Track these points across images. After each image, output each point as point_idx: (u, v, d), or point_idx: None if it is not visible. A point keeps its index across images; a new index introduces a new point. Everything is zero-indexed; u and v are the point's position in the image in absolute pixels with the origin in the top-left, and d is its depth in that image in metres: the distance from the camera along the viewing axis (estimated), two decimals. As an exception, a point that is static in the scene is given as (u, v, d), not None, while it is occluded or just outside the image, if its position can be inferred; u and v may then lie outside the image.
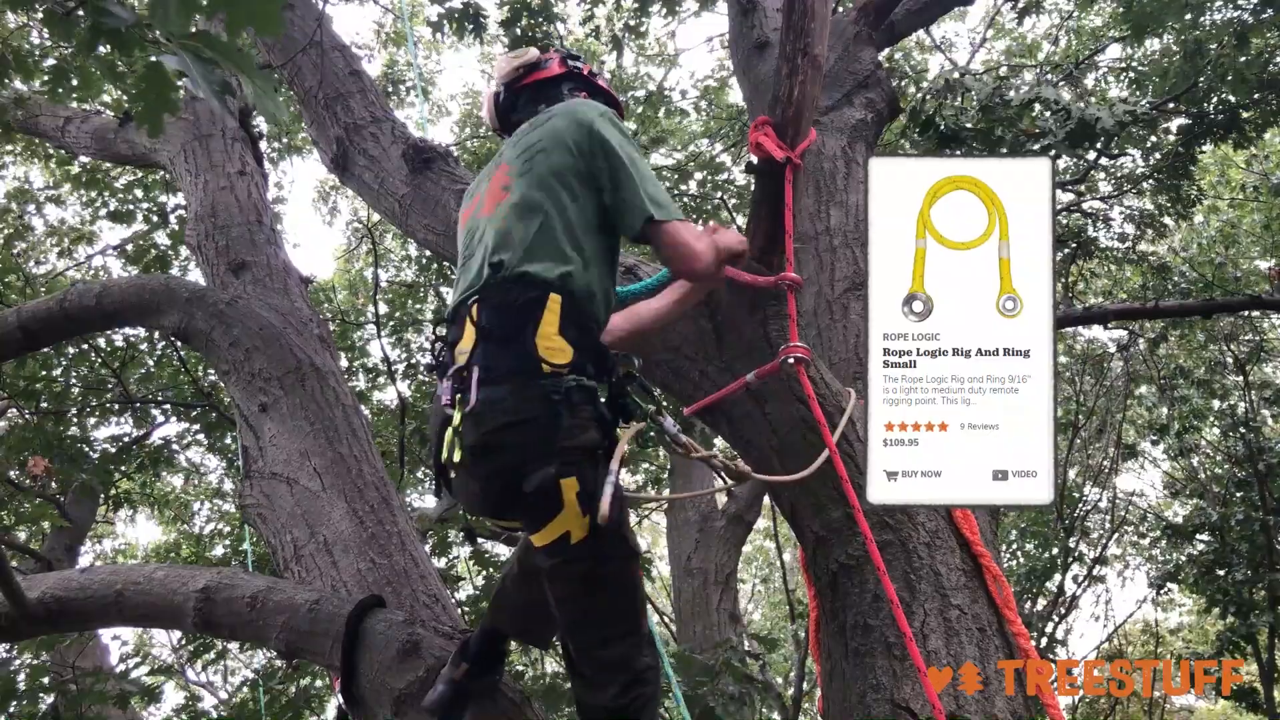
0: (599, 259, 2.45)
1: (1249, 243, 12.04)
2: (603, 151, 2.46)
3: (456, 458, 2.26)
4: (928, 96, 6.90)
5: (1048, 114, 6.22)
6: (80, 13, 2.25)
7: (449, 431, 2.28)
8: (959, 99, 6.88)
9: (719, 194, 10.06)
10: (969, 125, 6.83)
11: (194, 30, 2.16)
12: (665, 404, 7.92)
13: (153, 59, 2.12)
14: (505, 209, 2.49)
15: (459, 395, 2.28)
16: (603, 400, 2.32)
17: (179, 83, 2.18)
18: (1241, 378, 11.16)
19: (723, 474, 2.61)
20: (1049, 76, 9.94)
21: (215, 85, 2.13)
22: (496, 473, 2.25)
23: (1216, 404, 11.57)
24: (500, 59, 2.97)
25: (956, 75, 6.71)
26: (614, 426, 2.32)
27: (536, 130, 2.58)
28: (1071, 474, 13.06)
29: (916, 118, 6.95)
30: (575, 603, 2.32)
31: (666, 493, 10.49)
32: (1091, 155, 8.04)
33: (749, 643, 9.47)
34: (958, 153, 7.28)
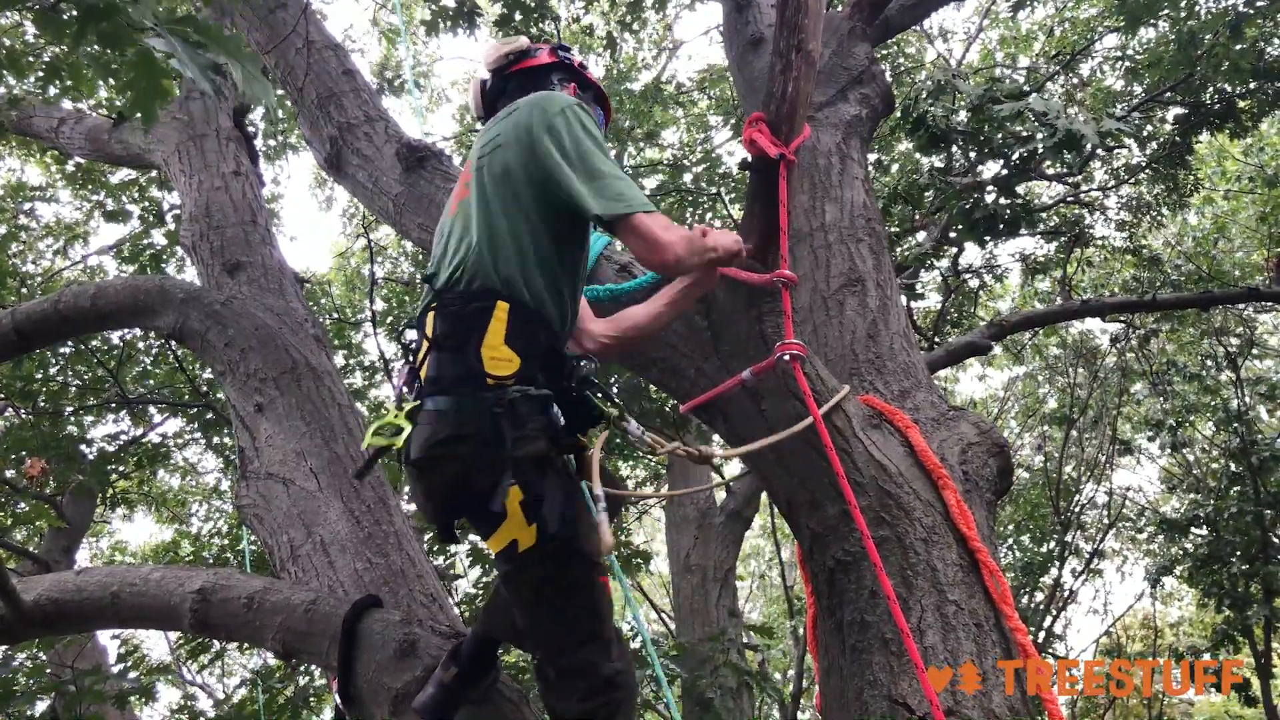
0: (555, 260, 2.41)
1: (1243, 237, 12.06)
2: (557, 146, 2.40)
3: (365, 443, 2.29)
4: (919, 97, 6.91)
5: (1035, 122, 6.24)
6: (69, 6, 2.23)
7: (372, 428, 2.30)
8: (951, 100, 6.89)
9: (714, 188, 10.05)
10: (959, 127, 6.85)
11: (181, 16, 2.15)
12: (655, 399, 7.93)
13: (143, 44, 2.11)
14: (465, 207, 2.47)
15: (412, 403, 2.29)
16: (557, 408, 2.31)
17: (169, 66, 2.15)
18: (1232, 372, 11.18)
19: (688, 459, 2.62)
20: (1043, 68, 9.95)
21: (204, 66, 2.12)
22: (441, 484, 2.26)
23: (1209, 399, 11.60)
24: (489, 46, 2.94)
25: (948, 78, 6.71)
26: (567, 434, 2.32)
27: (499, 124, 2.54)
28: (1068, 468, 13.09)
29: (908, 116, 6.96)
30: (531, 608, 2.33)
31: (665, 489, 10.50)
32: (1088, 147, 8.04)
33: (746, 635, 9.49)
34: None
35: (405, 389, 2.37)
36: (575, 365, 2.40)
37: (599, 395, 2.42)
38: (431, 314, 2.36)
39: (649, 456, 11.04)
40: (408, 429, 2.22)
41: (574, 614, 2.32)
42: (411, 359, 2.42)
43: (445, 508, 2.32)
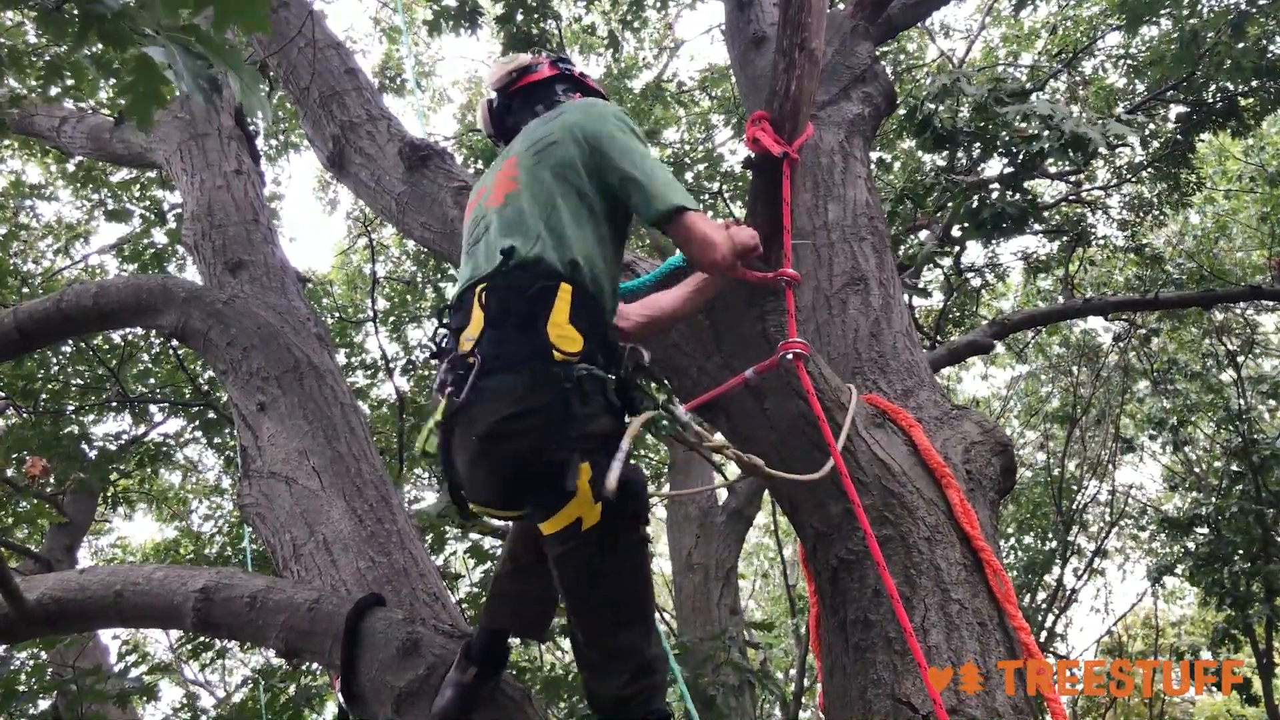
0: (606, 252, 2.48)
1: (1244, 236, 12.06)
2: (617, 146, 2.49)
3: (430, 448, 2.29)
4: (924, 99, 6.92)
5: (1040, 123, 6.25)
6: (72, 8, 2.23)
7: (430, 421, 2.29)
8: (956, 101, 6.90)
9: (715, 184, 10.06)
10: (964, 128, 6.86)
11: (185, 24, 2.15)
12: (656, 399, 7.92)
13: (141, 51, 2.11)
14: (515, 198, 2.50)
15: (460, 383, 2.26)
16: (612, 390, 2.31)
17: (167, 76, 2.15)
18: (1234, 371, 11.17)
19: (738, 465, 2.61)
20: (1049, 65, 9.94)
21: (202, 80, 2.12)
22: (507, 460, 2.24)
23: (1211, 397, 11.60)
24: (493, 67, 3.01)
25: (953, 81, 6.71)
26: (623, 416, 2.32)
27: (548, 124, 2.61)
28: (1070, 466, 13.07)
29: (912, 118, 6.97)
30: (584, 590, 2.31)
31: (666, 488, 10.49)
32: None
33: (748, 633, 9.49)
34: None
35: (447, 374, 2.34)
36: (625, 350, 2.41)
37: (648, 381, 2.44)
38: (484, 291, 2.35)
39: (649, 456, 11.06)
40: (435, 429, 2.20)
41: (623, 596, 2.32)
42: (453, 338, 2.41)
43: (507, 486, 2.29)
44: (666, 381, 2.50)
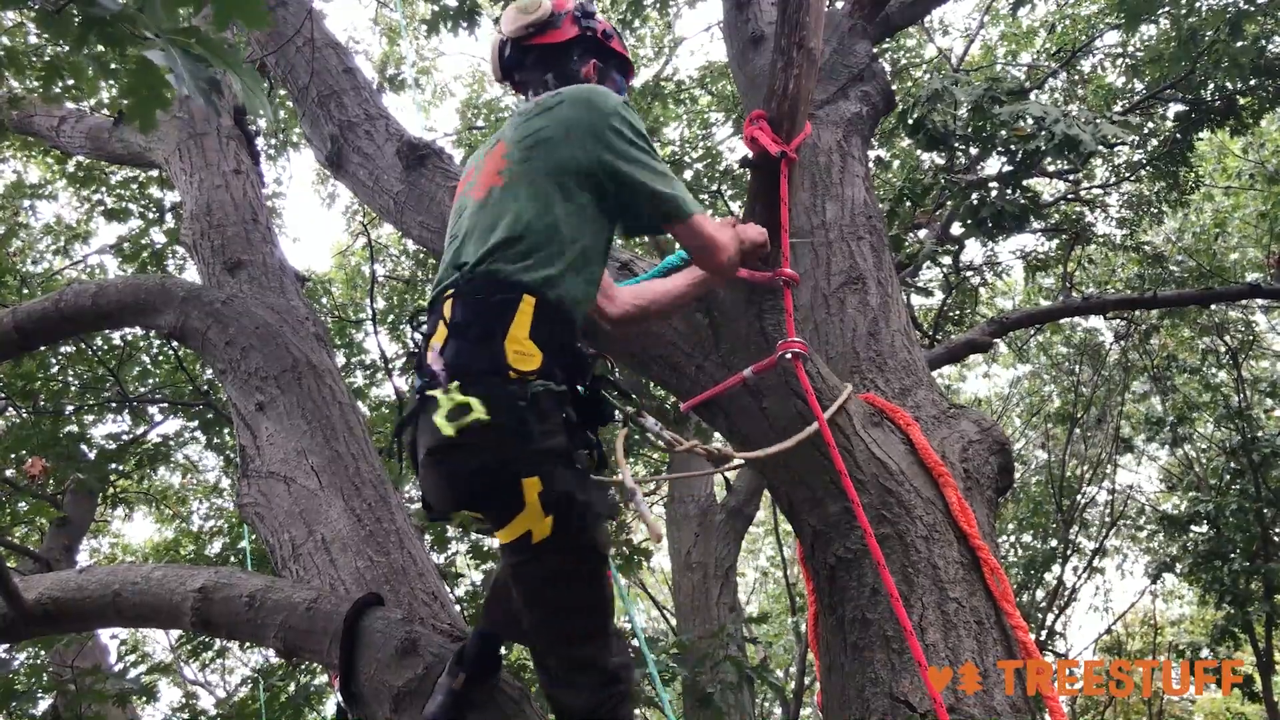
0: (586, 259, 2.39)
1: (1241, 234, 12.06)
2: (618, 149, 2.41)
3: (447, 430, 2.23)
4: (917, 104, 6.92)
5: (1034, 124, 6.26)
6: (72, 9, 2.23)
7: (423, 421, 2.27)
8: (951, 105, 6.91)
9: (715, 185, 10.05)
10: (958, 130, 6.87)
11: (184, 25, 2.15)
12: (656, 397, 7.92)
13: (143, 55, 2.11)
14: (494, 197, 2.42)
15: (424, 390, 2.25)
16: (573, 404, 2.28)
17: (168, 79, 2.15)
18: (1234, 369, 11.18)
19: (706, 460, 2.61)
20: (1044, 65, 9.95)
21: (203, 82, 2.12)
22: (458, 472, 2.22)
23: (1210, 395, 11.60)
24: (510, 9, 2.82)
25: (945, 85, 6.71)
26: (583, 430, 2.29)
27: (543, 116, 2.48)
28: (1070, 466, 13.08)
29: (905, 119, 6.98)
30: (538, 601, 2.30)
31: (665, 487, 10.50)
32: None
33: (747, 630, 9.50)
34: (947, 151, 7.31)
35: (418, 373, 2.33)
36: (590, 362, 2.39)
37: (615, 393, 2.41)
38: (450, 300, 2.31)
39: (649, 453, 11.06)
40: (476, 404, 2.13)
41: (581, 607, 2.31)
42: (423, 343, 2.38)
43: (463, 497, 2.27)
44: (631, 393, 2.48)
